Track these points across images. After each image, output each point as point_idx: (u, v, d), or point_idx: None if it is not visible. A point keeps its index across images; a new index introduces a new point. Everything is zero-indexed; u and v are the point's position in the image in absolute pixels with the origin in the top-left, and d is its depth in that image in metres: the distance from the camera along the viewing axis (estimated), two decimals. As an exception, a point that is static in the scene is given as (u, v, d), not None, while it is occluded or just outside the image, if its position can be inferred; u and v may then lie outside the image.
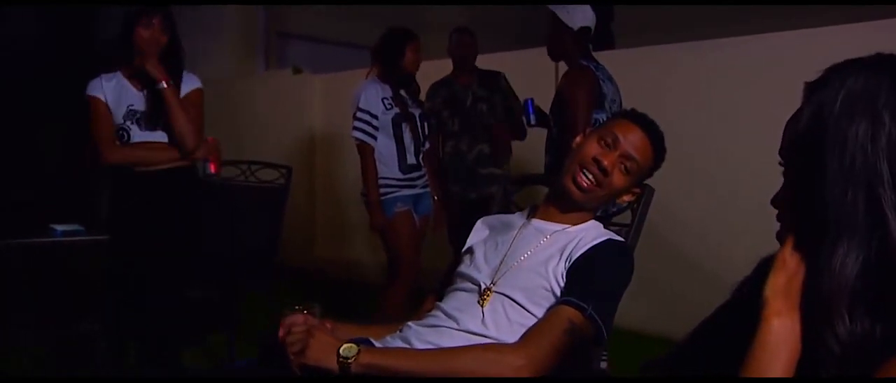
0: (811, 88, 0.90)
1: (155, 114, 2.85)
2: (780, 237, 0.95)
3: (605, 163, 1.67)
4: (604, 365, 3.01)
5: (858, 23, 3.48)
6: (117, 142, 2.87)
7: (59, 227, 3.02)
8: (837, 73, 0.88)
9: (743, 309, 0.96)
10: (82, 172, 4.56)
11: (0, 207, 4.28)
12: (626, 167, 1.69)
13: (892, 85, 0.84)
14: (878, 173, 0.82)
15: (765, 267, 0.95)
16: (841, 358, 0.83)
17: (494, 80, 4.06)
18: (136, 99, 2.87)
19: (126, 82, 2.88)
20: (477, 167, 3.99)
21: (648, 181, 1.83)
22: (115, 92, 2.88)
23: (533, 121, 3.36)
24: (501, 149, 4.01)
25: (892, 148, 0.82)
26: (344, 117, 3.69)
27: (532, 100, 3.37)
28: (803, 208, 0.89)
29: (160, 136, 2.87)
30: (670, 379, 1.10)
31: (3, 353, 3.19)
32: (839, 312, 0.83)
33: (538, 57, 3.75)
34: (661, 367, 1.15)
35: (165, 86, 2.79)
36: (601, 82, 3.03)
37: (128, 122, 2.85)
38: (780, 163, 0.95)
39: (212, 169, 3.02)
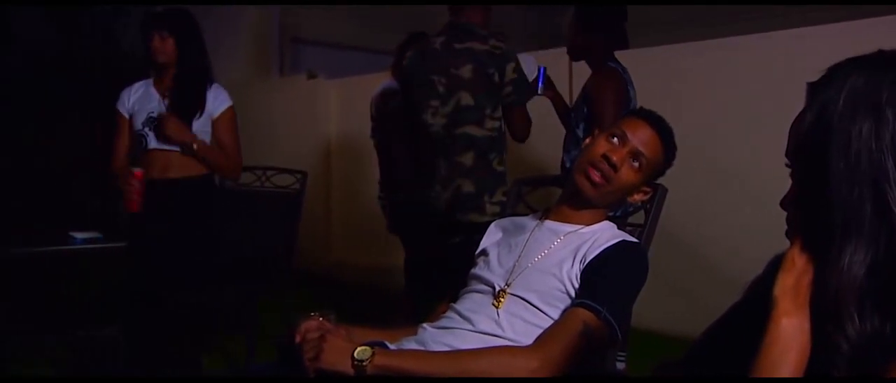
0: (814, 88, 0.90)
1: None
2: (789, 237, 0.95)
3: (615, 158, 1.67)
4: (622, 365, 3.00)
5: (872, 18, 3.45)
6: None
7: (79, 235, 3.05)
8: (839, 71, 0.88)
9: (754, 309, 0.95)
10: (100, 178, 4.61)
11: (16, 214, 4.32)
12: (635, 162, 1.69)
13: (895, 81, 0.84)
14: (884, 170, 0.82)
15: (774, 266, 0.95)
16: (851, 357, 0.83)
17: None
18: (156, 105, 2.90)
19: (152, 89, 2.93)
20: None
21: (664, 181, 1.83)
22: (139, 100, 2.93)
23: (540, 92, 3.28)
24: None
25: None
26: (359, 122, 3.70)
27: (544, 68, 3.30)
28: (811, 208, 0.89)
29: (175, 146, 2.90)
30: (681, 380, 1.10)
31: (27, 357, 3.24)
32: (848, 311, 0.83)
33: (552, 58, 3.74)
34: (675, 368, 1.15)
35: (195, 147, 2.88)
36: (627, 85, 3.02)
37: (146, 129, 2.88)
38: (787, 165, 0.94)
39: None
